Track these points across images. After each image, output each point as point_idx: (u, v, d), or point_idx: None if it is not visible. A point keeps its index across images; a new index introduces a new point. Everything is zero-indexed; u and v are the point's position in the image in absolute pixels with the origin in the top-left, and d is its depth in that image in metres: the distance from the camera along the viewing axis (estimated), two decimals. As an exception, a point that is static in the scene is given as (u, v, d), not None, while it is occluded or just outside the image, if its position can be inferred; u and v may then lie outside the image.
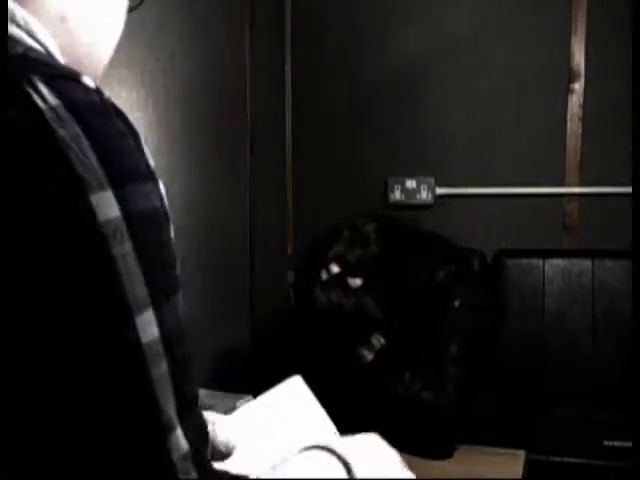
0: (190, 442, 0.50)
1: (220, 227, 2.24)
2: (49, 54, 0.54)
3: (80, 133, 0.46)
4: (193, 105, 2.05)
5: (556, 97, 2.49)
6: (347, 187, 2.67)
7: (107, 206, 0.46)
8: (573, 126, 2.48)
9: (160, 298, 0.48)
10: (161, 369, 0.48)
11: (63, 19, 0.57)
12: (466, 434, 1.62)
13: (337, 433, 1.07)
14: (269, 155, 2.61)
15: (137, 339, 0.47)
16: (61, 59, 0.57)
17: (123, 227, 0.46)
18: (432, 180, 2.59)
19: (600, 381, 2.25)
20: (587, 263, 2.35)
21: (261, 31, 2.45)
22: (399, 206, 2.60)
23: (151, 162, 0.51)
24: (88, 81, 0.49)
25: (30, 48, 0.51)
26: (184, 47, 1.99)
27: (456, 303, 1.79)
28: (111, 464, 0.48)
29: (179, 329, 0.51)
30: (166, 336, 0.49)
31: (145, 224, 0.48)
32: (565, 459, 1.98)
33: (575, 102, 2.48)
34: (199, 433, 0.52)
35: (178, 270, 0.52)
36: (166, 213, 0.51)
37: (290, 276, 2.67)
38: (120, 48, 0.66)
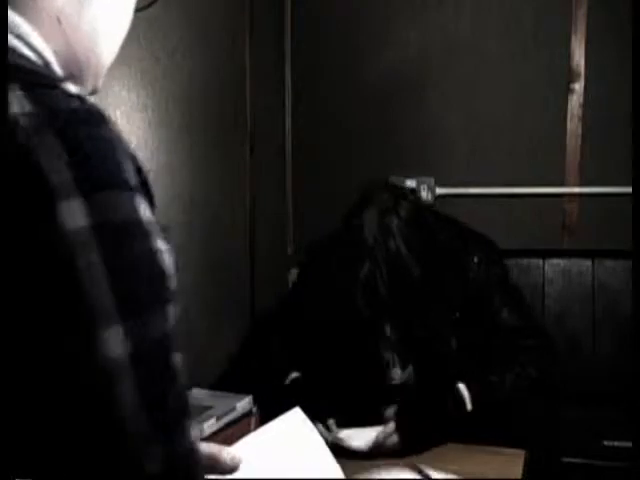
0: (168, 466, 0.48)
1: (220, 227, 2.24)
2: (46, 63, 0.54)
3: (54, 140, 0.45)
4: (193, 105, 2.05)
5: (556, 97, 2.49)
6: (347, 187, 2.66)
7: (74, 214, 0.45)
8: (573, 126, 2.48)
9: (133, 311, 0.47)
10: (128, 385, 0.46)
11: (58, 20, 0.56)
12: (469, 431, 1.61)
13: (336, 463, 1.09)
14: (269, 155, 2.61)
15: (102, 352, 0.45)
16: (57, 67, 0.56)
17: (90, 237, 0.45)
18: (432, 180, 2.59)
19: (600, 381, 2.25)
20: (587, 263, 2.35)
21: (261, 31, 2.45)
22: (399, 206, 2.60)
23: (131, 174, 0.49)
24: (71, 88, 0.49)
25: (21, 56, 0.51)
26: (184, 47, 1.99)
27: (475, 259, 1.76)
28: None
29: (160, 344, 0.48)
30: (138, 351, 0.46)
31: (117, 234, 0.47)
32: (565, 459, 1.98)
33: (575, 102, 2.48)
34: (181, 459, 0.49)
35: (168, 284, 0.50)
36: (144, 225, 0.49)
37: (292, 275, 2.67)
38: (120, 48, 0.66)
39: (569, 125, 2.49)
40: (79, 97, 0.49)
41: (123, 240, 0.47)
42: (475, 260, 1.75)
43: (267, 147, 2.56)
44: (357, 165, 2.68)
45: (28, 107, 0.45)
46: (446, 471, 1.45)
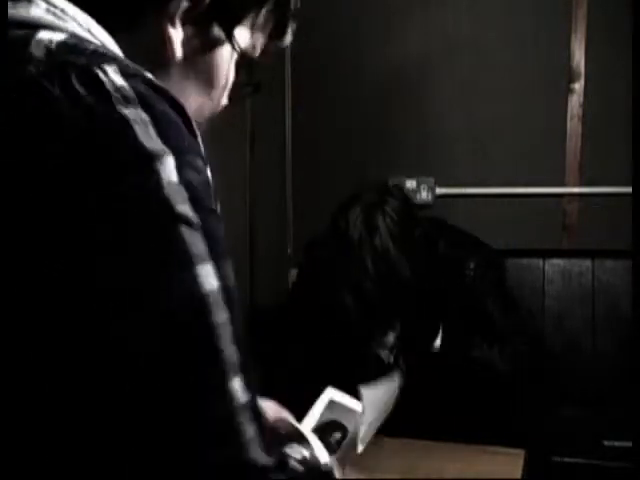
0: (250, 399, 0.52)
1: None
2: (114, 54, 0.58)
3: (143, 113, 0.50)
4: (193, 105, 2.05)
5: (556, 97, 2.49)
6: (347, 187, 2.66)
7: (169, 171, 0.50)
8: (573, 126, 2.49)
9: (217, 256, 0.52)
10: (223, 317, 0.52)
11: None
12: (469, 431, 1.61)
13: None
14: (269, 155, 2.61)
15: (200, 285, 0.51)
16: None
17: (185, 195, 0.51)
18: (432, 180, 2.59)
19: (600, 381, 2.25)
20: (587, 263, 2.35)
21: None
22: (399, 206, 2.60)
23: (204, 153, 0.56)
24: (148, 73, 0.54)
25: (98, 47, 0.56)
26: (184, 47, 1.99)
27: (472, 265, 1.75)
28: (173, 406, 0.49)
29: (233, 290, 0.54)
30: (225, 290, 0.53)
31: (202, 192, 0.53)
32: (565, 459, 1.98)
33: (575, 102, 2.48)
34: (255, 390, 0.54)
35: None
36: (210, 185, 0.55)
37: (291, 275, 2.67)
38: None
39: (569, 125, 2.49)
40: (155, 81, 0.54)
41: (204, 196, 0.53)
42: (472, 266, 1.74)
43: (267, 147, 2.56)
44: (357, 165, 2.68)
45: (120, 82, 0.51)
46: (446, 471, 1.45)
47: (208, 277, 0.51)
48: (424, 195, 2.59)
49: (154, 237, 0.50)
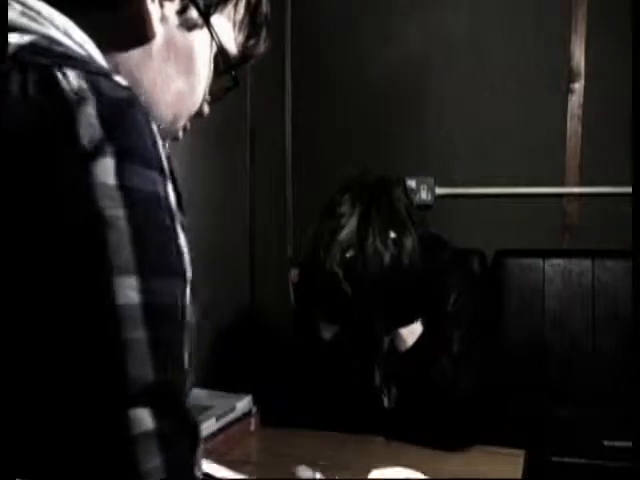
0: (163, 427, 0.48)
1: (220, 227, 2.24)
2: (89, 55, 0.58)
3: (94, 114, 0.48)
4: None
5: (556, 97, 2.49)
6: (347, 187, 2.66)
7: (104, 173, 0.48)
8: (573, 126, 2.48)
9: (150, 271, 0.49)
10: (137, 335, 0.48)
11: (116, 68, 0.61)
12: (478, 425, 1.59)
13: None
14: (269, 155, 2.61)
15: (112, 297, 0.47)
16: (102, 60, 0.60)
17: (117, 195, 0.48)
18: (432, 180, 2.59)
19: (600, 381, 2.25)
20: (587, 263, 2.35)
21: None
22: (399, 206, 2.60)
23: (163, 161, 0.53)
24: (120, 79, 0.53)
25: (70, 49, 0.55)
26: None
27: (453, 296, 1.71)
28: (65, 430, 0.47)
29: (172, 311, 0.50)
30: (150, 307, 0.48)
31: (143, 201, 0.50)
32: (565, 459, 1.98)
33: (575, 102, 2.48)
34: (181, 426, 0.50)
35: (185, 266, 0.53)
36: (170, 205, 0.52)
37: (292, 275, 2.67)
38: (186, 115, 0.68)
39: (569, 125, 2.49)
40: (127, 87, 0.53)
41: (149, 207, 0.50)
42: (452, 298, 1.69)
43: (267, 148, 2.56)
44: (357, 165, 2.67)
45: (77, 84, 0.49)
46: (446, 471, 1.45)
47: (126, 290, 0.47)
48: (424, 195, 2.59)
49: (71, 239, 0.47)
